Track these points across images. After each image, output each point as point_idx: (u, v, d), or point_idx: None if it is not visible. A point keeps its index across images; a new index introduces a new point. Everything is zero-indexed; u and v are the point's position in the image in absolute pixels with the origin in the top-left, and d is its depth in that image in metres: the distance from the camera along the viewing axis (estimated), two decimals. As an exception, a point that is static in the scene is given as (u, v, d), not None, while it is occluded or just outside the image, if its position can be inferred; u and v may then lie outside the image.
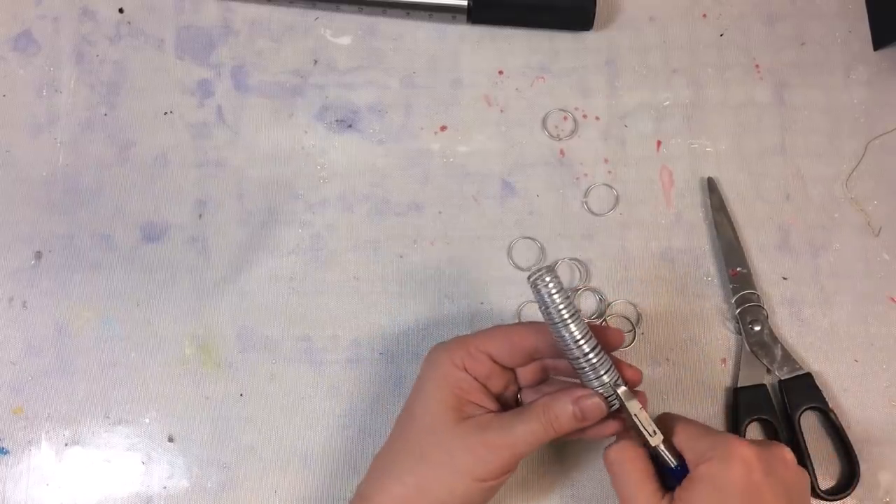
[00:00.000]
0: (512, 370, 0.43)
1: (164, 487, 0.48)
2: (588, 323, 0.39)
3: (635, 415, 0.39)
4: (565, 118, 0.54)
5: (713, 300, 0.51)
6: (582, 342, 0.38)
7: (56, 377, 0.49)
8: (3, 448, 0.48)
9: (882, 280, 0.52)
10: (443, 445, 0.39)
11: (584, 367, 0.39)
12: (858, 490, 0.48)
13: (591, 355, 0.39)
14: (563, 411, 0.39)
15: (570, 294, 0.38)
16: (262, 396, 0.49)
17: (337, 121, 0.54)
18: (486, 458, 0.39)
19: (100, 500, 0.48)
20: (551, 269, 0.38)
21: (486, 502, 0.41)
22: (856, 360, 0.51)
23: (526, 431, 0.39)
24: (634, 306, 0.51)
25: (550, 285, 0.38)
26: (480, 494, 0.40)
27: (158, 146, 0.53)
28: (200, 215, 0.52)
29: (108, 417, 0.49)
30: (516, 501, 0.48)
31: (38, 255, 0.51)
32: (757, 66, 0.55)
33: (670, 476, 0.40)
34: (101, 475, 0.48)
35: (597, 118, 0.54)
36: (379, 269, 0.51)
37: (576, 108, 0.54)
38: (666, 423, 0.41)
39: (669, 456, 0.39)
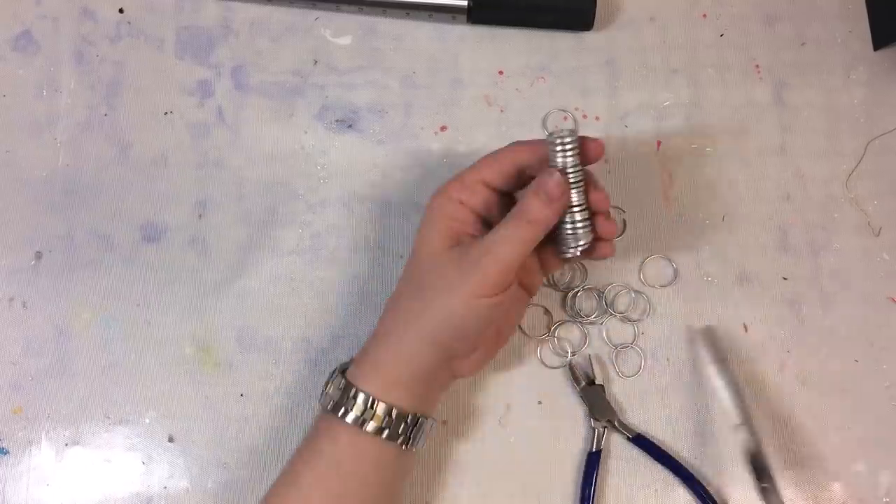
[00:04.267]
0: (510, 195, 0.45)
1: (165, 487, 0.48)
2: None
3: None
4: (565, 118, 0.54)
5: (712, 300, 0.51)
6: (576, 209, 0.41)
7: (56, 377, 0.49)
8: (3, 448, 0.48)
9: (882, 280, 0.52)
10: (438, 270, 0.41)
11: (566, 226, 0.42)
12: (858, 490, 0.48)
13: (578, 220, 0.42)
14: (531, 201, 0.40)
15: (580, 162, 0.41)
16: (263, 396, 0.49)
17: (337, 121, 0.54)
18: (477, 272, 0.40)
19: (100, 500, 0.48)
20: (573, 132, 0.40)
21: (499, 321, 0.43)
22: (856, 361, 0.51)
23: (505, 235, 0.40)
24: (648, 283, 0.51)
25: (568, 147, 0.41)
26: (484, 312, 0.40)
27: (158, 146, 0.53)
28: (200, 215, 0.52)
29: (108, 417, 0.49)
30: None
31: (38, 255, 0.51)
32: (757, 66, 0.55)
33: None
34: (101, 475, 0.48)
35: (597, 118, 0.54)
36: (379, 269, 0.51)
37: (576, 108, 0.54)
38: None
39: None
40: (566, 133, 0.40)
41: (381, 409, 0.40)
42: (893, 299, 0.52)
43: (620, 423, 0.48)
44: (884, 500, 0.49)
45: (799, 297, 0.52)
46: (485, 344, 0.43)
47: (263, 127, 0.53)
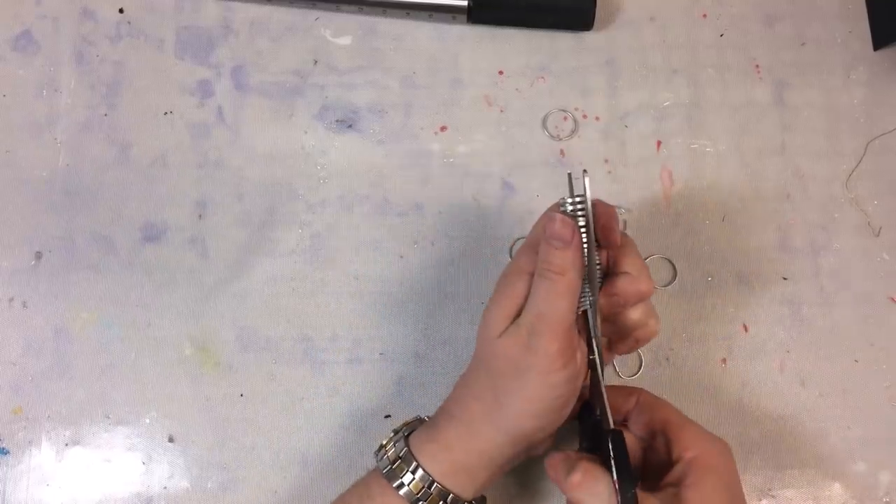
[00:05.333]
0: None
1: (165, 488, 0.48)
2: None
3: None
4: (565, 118, 0.54)
5: (712, 300, 0.51)
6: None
7: (56, 378, 0.49)
8: (4, 448, 0.48)
9: (882, 280, 0.52)
10: (505, 352, 0.39)
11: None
12: (858, 490, 0.48)
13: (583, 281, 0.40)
14: (546, 251, 0.39)
15: (591, 227, 0.39)
16: (262, 397, 0.49)
17: (337, 121, 0.54)
18: (539, 343, 0.38)
19: (100, 500, 0.48)
20: (582, 196, 0.39)
21: (567, 399, 0.40)
22: (856, 361, 0.51)
23: (543, 297, 0.38)
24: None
25: (579, 210, 0.39)
26: (562, 388, 0.39)
27: (158, 146, 0.53)
28: (200, 216, 0.52)
29: (108, 418, 0.49)
30: None
31: (38, 256, 0.51)
32: (757, 66, 0.55)
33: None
34: (101, 475, 0.48)
35: (597, 118, 0.54)
36: (379, 269, 0.51)
37: (576, 108, 0.54)
38: (648, 402, 0.43)
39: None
40: (576, 195, 0.39)
41: (437, 491, 0.39)
42: (893, 299, 0.52)
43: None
44: (884, 500, 0.49)
45: (799, 297, 0.52)
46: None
47: (263, 127, 0.53)
